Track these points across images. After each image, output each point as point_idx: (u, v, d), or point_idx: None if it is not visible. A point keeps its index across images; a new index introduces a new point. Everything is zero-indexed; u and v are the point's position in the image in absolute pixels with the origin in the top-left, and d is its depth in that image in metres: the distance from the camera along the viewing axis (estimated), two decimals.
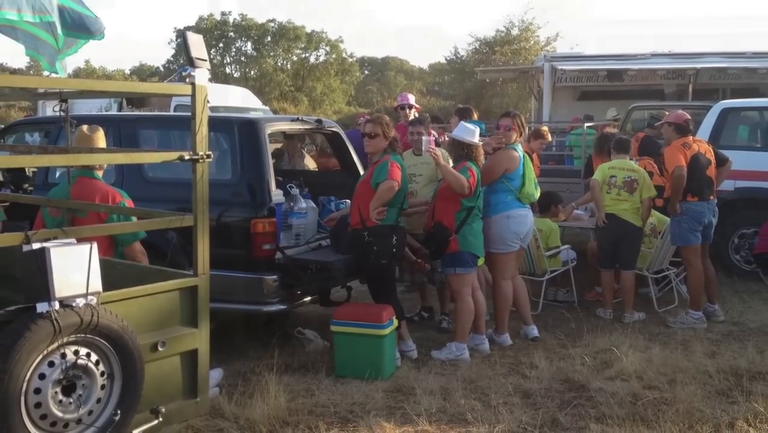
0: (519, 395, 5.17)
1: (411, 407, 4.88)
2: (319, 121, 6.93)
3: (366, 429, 4.53)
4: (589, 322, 6.92)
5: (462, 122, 6.48)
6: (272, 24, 46.41)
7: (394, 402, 5.01)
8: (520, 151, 6.34)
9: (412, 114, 8.57)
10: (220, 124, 5.99)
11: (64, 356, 3.12)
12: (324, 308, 6.75)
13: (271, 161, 5.96)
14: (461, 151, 6.01)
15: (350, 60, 47.99)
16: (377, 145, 5.81)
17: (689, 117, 7.25)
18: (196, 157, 3.71)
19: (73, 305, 3.08)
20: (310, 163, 9.15)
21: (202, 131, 3.72)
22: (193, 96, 3.69)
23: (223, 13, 46.72)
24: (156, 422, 3.51)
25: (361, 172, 6.82)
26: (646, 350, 6.06)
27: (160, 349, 3.58)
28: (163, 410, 3.52)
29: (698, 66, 13.90)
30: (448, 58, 40.72)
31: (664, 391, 5.14)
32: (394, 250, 5.70)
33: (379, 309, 5.62)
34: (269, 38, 46.55)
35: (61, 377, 3.13)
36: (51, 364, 3.10)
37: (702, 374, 5.48)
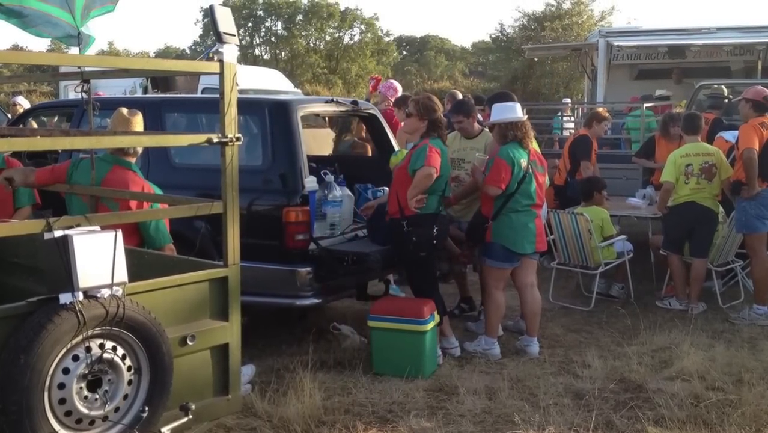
0: (570, 395, 5.14)
1: (454, 407, 4.89)
2: (355, 103, 6.94)
3: (406, 429, 4.55)
4: (646, 318, 6.84)
5: (495, 104, 6.33)
6: (304, 1, 46.46)
7: (436, 402, 5.02)
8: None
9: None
10: (250, 106, 6.03)
11: (88, 349, 3.16)
12: (361, 302, 6.79)
13: (304, 146, 5.99)
14: (507, 133, 5.98)
15: (387, 39, 47.86)
16: (413, 126, 5.80)
17: None
18: (224, 139, 3.72)
19: (98, 295, 3.13)
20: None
21: (231, 112, 3.73)
22: (221, 74, 3.69)
23: None
24: (186, 419, 3.54)
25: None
26: (709, 349, 5.98)
27: (189, 343, 3.62)
28: (193, 407, 3.55)
29: None
30: (492, 36, 40.53)
31: (729, 392, 5.07)
32: (435, 241, 5.70)
33: (420, 304, 5.63)
34: (301, 17, 46.60)
35: (86, 371, 3.17)
36: (75, 358, 3.14)
37: None
